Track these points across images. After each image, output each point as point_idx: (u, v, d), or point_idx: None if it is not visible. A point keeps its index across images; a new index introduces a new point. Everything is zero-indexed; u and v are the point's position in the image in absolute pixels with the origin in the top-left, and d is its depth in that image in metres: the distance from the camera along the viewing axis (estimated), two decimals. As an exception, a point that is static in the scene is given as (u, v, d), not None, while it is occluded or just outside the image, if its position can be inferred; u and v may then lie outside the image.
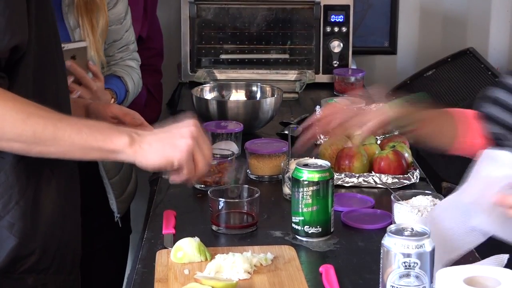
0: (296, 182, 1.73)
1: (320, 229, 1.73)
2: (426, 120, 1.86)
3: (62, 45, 2.15)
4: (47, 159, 1.52)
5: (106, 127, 1.52)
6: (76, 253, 1.67)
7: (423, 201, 1.76)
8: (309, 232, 1.73)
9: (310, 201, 1.72)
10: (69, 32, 2.25)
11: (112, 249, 2.51)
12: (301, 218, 1.73)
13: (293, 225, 1.75)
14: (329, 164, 1.75)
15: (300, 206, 1.73)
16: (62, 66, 1.65)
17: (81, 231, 2.35)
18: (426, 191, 1.80)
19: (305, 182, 1.72)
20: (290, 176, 1.92)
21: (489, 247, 1.55)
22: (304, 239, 1.74)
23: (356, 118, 1.85)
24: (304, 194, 1.72)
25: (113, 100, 2.33)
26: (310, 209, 1.72)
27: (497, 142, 1.86)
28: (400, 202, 1.75)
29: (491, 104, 1.84)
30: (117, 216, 2.34)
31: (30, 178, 1.53)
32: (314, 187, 1.71)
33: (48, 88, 1.57)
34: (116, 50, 2.45)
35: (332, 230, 1.75)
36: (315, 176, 1.71)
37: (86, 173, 1.81)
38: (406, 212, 1.73)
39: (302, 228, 1.74)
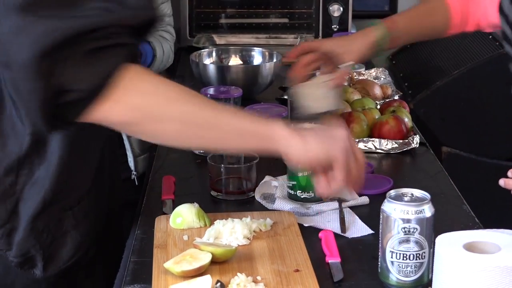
0: None
1: (313, 195, 1.73)
2: (414, 21, 1.90)
3: None
4: None
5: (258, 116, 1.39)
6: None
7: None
8: (302, 196, 1.73)
9: None
10: None
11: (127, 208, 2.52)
12: (295, 182, 1.73)
13: (287, 189, 1.75)
14: None
15: (294, 170, 1.72)
16: None
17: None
18: None
19: None
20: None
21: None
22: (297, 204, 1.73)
23: (344, 48, 1.88)
24: None
25: None
26: (304, 173, 1.71)
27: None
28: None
29: None
30: (134, 174, 2.34)
31: None
32: None
33: None
34: None
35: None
36: None
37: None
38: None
39: (295, 193, 1.73)
